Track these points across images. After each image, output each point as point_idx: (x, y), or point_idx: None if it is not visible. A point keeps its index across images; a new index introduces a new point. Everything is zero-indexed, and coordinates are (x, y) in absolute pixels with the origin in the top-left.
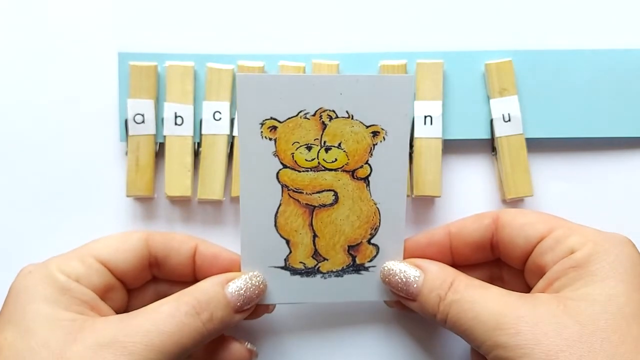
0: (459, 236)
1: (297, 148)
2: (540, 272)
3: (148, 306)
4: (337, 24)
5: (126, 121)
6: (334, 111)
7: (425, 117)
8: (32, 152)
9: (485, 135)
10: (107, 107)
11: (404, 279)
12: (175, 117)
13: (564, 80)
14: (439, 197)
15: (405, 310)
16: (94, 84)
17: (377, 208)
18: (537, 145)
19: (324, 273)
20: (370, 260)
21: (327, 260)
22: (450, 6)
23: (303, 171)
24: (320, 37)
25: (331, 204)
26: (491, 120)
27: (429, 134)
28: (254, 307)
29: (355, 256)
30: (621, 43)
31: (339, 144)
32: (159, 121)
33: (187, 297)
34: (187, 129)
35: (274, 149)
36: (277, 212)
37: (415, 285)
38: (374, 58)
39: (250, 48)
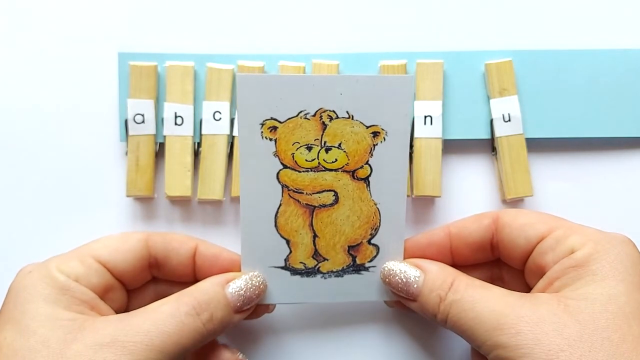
0: (459, 236)
1: (298, 148)
2: (541, 272)
3: (148, 306)
4: (337, 24)
5: (126, 121)
6: (334, 111)
7: (425, 117)
8: (32, 152)
9: (485, 135)
10: (107, 107)
11: (404, 279)
12: (175, 117)
13: (564, 80)
14: (439, 197)
15: (406, 310)
16: (94, 84)
17: (377, 208)
18: (537, 145)
19: (324, 273)
20: (371, 261)
21: (328, 260)
22: (450, 6)
23: (303, 171)
24: (320, 37)
25: (331, 204)
26: (491, 120)
27: (429, 134)
28: (254, 307)
29: (356, 256)
30: (621, 43)
31: (339, 144)
32: (159, 121)
33: (187, 298)
34: (187, 129)
35: (274, 149)
36: (277, 212)
37: (415, 286)
38: (374, 58)
39: (250, 48)
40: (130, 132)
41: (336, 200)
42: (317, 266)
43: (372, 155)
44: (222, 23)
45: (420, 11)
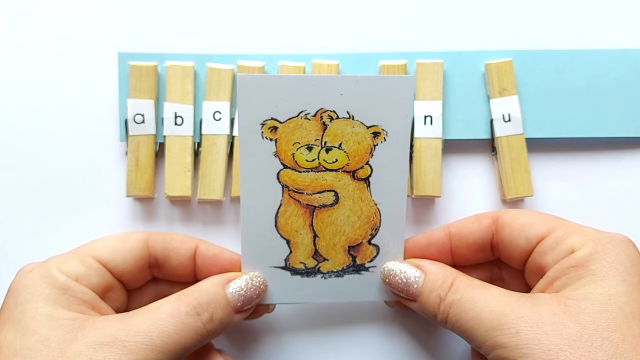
0: (459, 237)
1: (298, 148)
2: (541, 272)
3: (148, 306)
4: (337, 24)
5: (126, 121)
6: (334, 112)
7: (425, 117)
8: (32, 152)
9: (485, 135)
10: (107, 107)
11: (405, 280)
12: (175, 117)
13: (564, 80)
14: (439, 197)
15: (406, 310)
16: (94, 84)
17: (378, 208)
18: (537, 145)
19: (325, 273)
20: (371, 261)
21: (328, 260)
22: (450, 6)
23: (304, 172)
24: (320, 37)
25: (332, 205)
26: (491, 120)
27: (429, 134)
28: (254, 307)
29: (356, 256)
30: (621, 43)
31: (340, 145)
32: (159, 121)
33: (188, 298)
34: (187, 129)
35: (275, 150)
36: (277, 213)
37: (415, 286)
38: (374, 58)
39: (250, 48)
40: (130, 132)
41: (336, 201)
42: (318, 266)
43: (372, 155)
44: (222, 23)
45: (420, 11)
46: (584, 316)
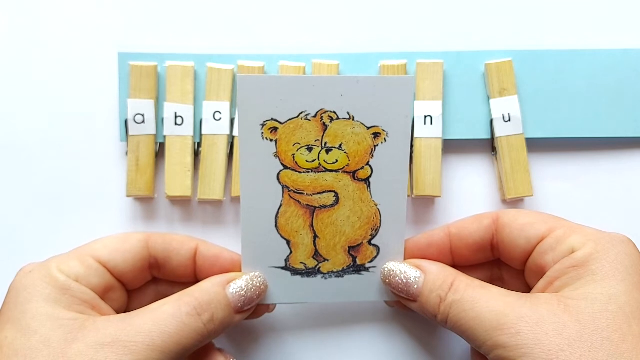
0: (459, 237)
1: (298, 149)
2: (541, 272)
3: (149, 306)
4: (337, 24)
5: (126, 121)
6: (335, 112)
7: (425, 117)
8: (32, 152)
9: (485, 135)
10: (107, 107)
11: (405, 280)
12: (175, 117)
13: (564, 80)
14: (439, 197)
15: (406, 310)
16: (94, 84)
17: (378, 209)
18: (537, 145)
19: (325, 273)
20: (371, 261)
21: (328, 260)
22: (450, 6)
23: (304, 172)
24: (320, 37)
25: (332, 205)
26: (491, 120)
27: (429, 134)
28: (254, 307)
29: (356, 257)
30: (621, 43)
31: (340, 145)
32: (159, 121)
33: (189, 298)
34: (187, 129)
35: (275, 150)
36: (277, 213)
37: (415, 286)
38: (374, 58)
39: (250, 48)
40: (130, 132)
41: (337, 201)
42: (318, 266)
43: (372, 156)
44: (222, 23)
45: (420, 11)
46: (584, 316)
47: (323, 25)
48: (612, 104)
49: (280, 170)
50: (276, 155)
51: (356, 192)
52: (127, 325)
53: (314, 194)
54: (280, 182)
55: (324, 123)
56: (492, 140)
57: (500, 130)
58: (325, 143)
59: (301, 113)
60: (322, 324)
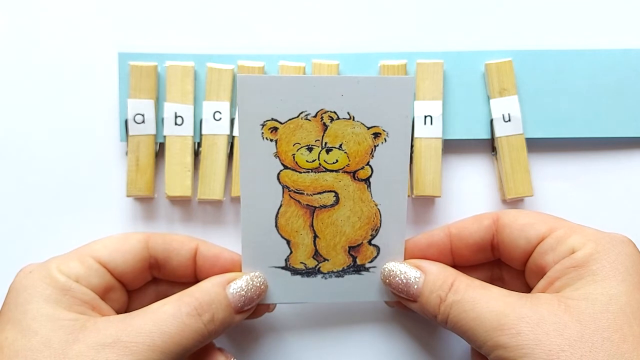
0: (459, 237)
1: (298, 149)
2: (541, 272)
3: (149, 306)
4: (337, 24)
5: (126, 121)
6: (335, 112)
7: (425, 117)
8: (32, 152)
9: (485, 135)
10: (107, 107)
11: (405, 280)
12: (175, 117)
13: (564, 80)
14: (439, 197)
15: (406, 310)
16: (94, 84)
17: (378, 209)
18: (537, 145)
19: (325, 273)
20: (371, 261)
21: (328, 260)
22: (450, 6)
23: (304, 172)
24: (320, 37)
25: (332, 205)
26: (491, 120)
27: (429, 134)
28: (254, 307)
29: (356, 257)
30: (621, 43)
31: (340, 145)
32: (159, 121)
33: (189, 298)
34: (187, 129)
35: (275, 150)
36: (277, 213)
37: (415, 287)
38: (374, 58)
39: (250, 48)
40: (130, 132)
41: (337, 201)
42: (318, 266)
43: (372, 156)
44: (222, 23)
45: (420, 11)
46: (584, 316)
47: (323, 25)
48: (612, 104)
49: (281, 170)
50: (276, 155)
51: (356, 192)
52: (127, 325)
53: (314, 194)
54: (280, 182)
55: (324, 123)
56: (492, 140)
57: (500, 130)
58: (326, 143)
59: (301, 113)
60: (322, 324)
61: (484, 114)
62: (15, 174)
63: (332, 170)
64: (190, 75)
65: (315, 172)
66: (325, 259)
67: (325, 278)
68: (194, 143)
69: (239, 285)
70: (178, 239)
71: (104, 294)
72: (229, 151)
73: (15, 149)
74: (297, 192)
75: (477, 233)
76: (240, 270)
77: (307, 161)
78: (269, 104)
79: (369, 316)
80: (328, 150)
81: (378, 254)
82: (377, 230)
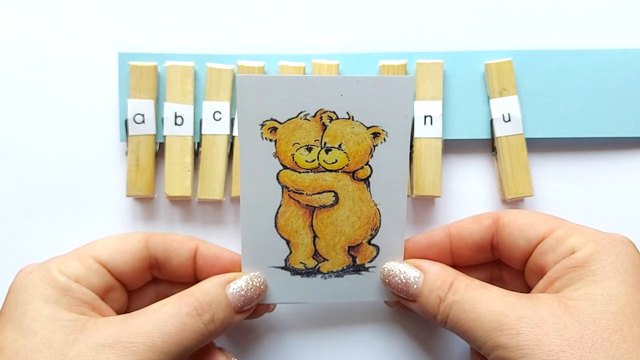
0: (459, 237)
1: (298, 149)
2: (541, 273)
3: (150, 307)
4: (337, 24)
5: (126, 121)
6: (334, 112)
7: (425, 117)
8: (32, 152)
9: (485, 135)
10: (107, 107)
11: (404, 280)
12: (175, 117)
13: (564, 80)
14: (439, 197)
15: (406, 310)
16: (94, 84)
17: (378, 209)
18: (537, 145)
19: (324, 273)
20: (371, 261)
21: (328, 260)
22: (450, 6)
23: (303, 172)
24: (320, 37)
25: (331, 205)
26: (491, 120)
27: (429, 134)
28: (254, 307)
29: (356, 257)
30: (621, 43)
31: (340, 145)
32: (159, 121)
33: (189, 298)
34: (187, 129)
35: (274, 150)
36: (277, 213)
37: (415, 286)
38: (374, 58)
39: (250, 48)
40: (130, 132)
41: (336, 201)
42: (317, 266)
43: (372, 156)
44: (222, 23)
45: (420, 11)
46: (584, 317)
47: (323, 25)
48: (612, 104)
49: (280, 170)
50: (276, 155)
51: (356, 192)
52: (127, 326)
53: (313, 194)
54: (279, 182)
55: (323, 123)
56: (492, 140)
57: (500, 130)
58: (325, 143)
59: (301, 113)
60: (322, 324)
61: (484, 114)
62: (15, 174)
63: (331, 170)
64: (190, 75)
65: (314, 172)
66: (324, 259)
67: (325, 278)
68: (194, 143)
69: (238, 285)
70: (178, 239)
71: (104, 294)
72: (228, 151)
73: (15, 149)
74: (296, 192)
75: (477, 233)
76: (240, 270)
77: (306, 161)
78: (269, 104)
79: (368, 316)
80: (327, 150)
81: (378, 253)
82: (376, 230)
